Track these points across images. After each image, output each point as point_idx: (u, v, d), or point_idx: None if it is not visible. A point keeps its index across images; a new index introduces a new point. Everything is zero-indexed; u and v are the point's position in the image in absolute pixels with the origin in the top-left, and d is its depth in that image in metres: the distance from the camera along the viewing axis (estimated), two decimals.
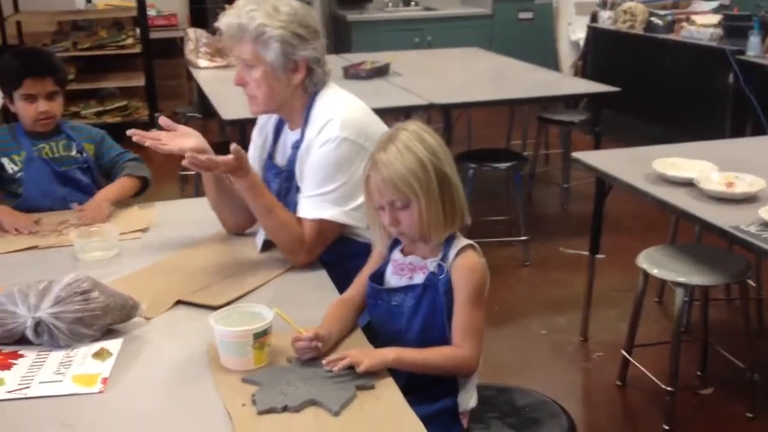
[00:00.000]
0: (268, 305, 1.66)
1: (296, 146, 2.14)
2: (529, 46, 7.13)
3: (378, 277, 1.77)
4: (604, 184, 3.16)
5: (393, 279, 1.75)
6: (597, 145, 4.39)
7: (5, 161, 2.53)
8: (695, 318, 3.28)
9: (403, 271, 1.74)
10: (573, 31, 7.14)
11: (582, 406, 3.04)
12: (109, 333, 1.73)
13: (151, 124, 6.38)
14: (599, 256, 3.39)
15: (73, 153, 2.60)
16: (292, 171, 2.14)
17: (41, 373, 1.58)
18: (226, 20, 2.05)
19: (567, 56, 7.18)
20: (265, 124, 2.27)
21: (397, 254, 1.77)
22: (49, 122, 2.57)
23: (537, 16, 7.87)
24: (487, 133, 6.02)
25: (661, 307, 3.61)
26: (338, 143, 2.03)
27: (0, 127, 2.70)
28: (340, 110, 2.08)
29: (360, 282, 1.80)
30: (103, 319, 1.70)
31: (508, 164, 4.21)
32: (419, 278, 1.70)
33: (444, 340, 1.66)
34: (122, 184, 2.55)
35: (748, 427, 2.82)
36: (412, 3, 8.06)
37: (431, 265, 1.69)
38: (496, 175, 4.59)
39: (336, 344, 1.67)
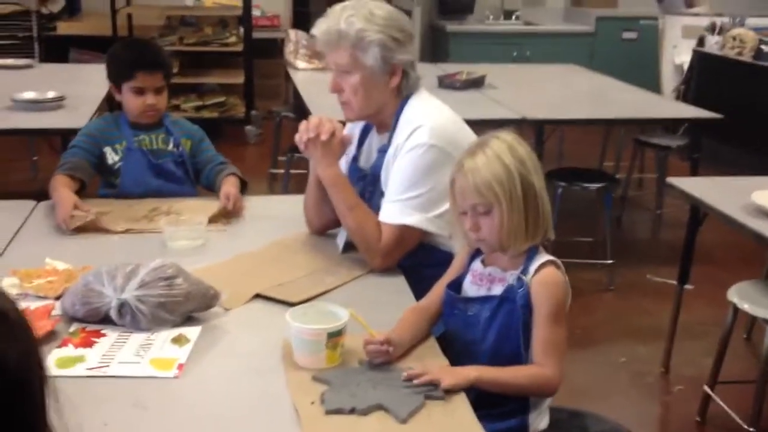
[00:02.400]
0: (344, 306, 1.67)
1: (383, 150, 2.14)
2: (631, 67, 6.97)
3: (456, 286, 1.76)
4: (698, 212, 3.06)
5: (471, 289, 1.73)
6: (694, 173, 4.26)
7: (107, 150, 2.58)
8: None
9: (482, 282, 1.72)
10: (678, 54, 6.95)
11: None
12: (189, 320, 1.77)
13: (246, 122, 6.53)
14: (688, 286, 3.29)
15: (170, 147, 2.64)
16: (376, 175, 2.15)
17: (121, 353, 1.63)
18: (323, 26, 2.06)
19: (669, 79, 7.00)
20: (353, 127, 2.28)
21: (477, 264, 1.75)
22: (154, 115, 2.61)
23: (641, 36, 7.70)
24: (580, 152, 5.92)
25: (749, 345, 3.48)
26: (426, 149, 2.03)
27: (104, 116, 2.77)
28: (430, 117, 2.08)
29: (437, 291, 1.79)
30: (185, 305, 1.74)
31: (599, 185, 4.12)
32: (497, 290, 1.68)
33: (518, 353, 1.64)
34: (236, 181, 2.57)
35: None
36: (513, 17, 8.00)
37: (510, 277, 1.67)
38: (585, 196, 4.51)
39: (408, 351, 1.67)
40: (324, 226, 2.27)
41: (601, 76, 5.55)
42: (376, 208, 2.10)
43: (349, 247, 2.15)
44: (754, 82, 5.87)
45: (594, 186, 4.13)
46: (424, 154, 2.03)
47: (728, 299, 2.75)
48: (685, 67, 6.69)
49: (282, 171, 5.07)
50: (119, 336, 1.69)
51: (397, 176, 2.06)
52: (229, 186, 2.51)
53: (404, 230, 2.04)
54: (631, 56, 7.54)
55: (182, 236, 2.20)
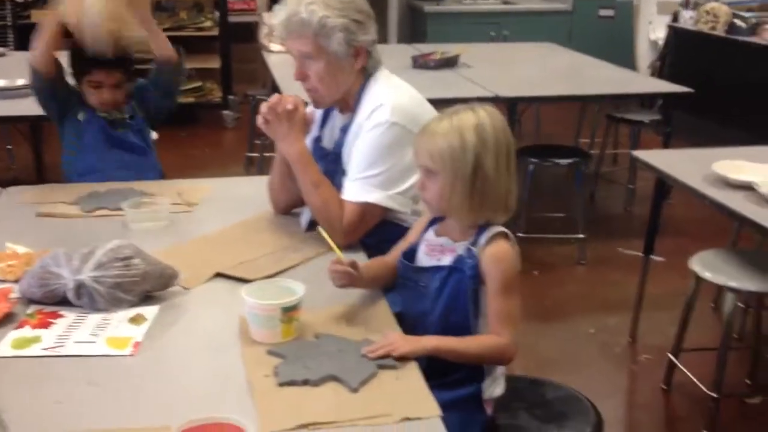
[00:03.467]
0: (303, 282, 1.69)
1: (345, 129, 2.16)
2: (608, 44, 7.00)
3: (410, 255, 1.78)
4: (663, 184, 3.10)
5: (424, 259, 1.76)
6: (666, 147, 4.29)
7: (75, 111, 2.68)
8: (751, 325, 3.19)
9: (434, 252, 1.75)
10: (653, 29, 6.98)
11: (624, 407, 3.01)
12: (147, 299, 1.79)
13: (223, 106, 6.52)
14: (659, 258, 3.34)
15: (126, 115, 2.72)
16: (338, 154, 2.17)
17: (77, 333, 1.65)
18: (282, 15, 2.06)
19: (645, 55, 7.02)
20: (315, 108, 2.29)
21: (430, 234, 1.78)
22: (111, 108, 2.69)
23: (618, 14, 7.72)
24: (557, 129, 5.95)
25: (717, 313, 3.52)
26: (387, 127, 2.04)
27: None
28: (392, 96, 2.10)
29: (401, 247, 1.84)
30: (142, 285, 1.76)
31: (570, 161, 4.15)
32: (447, 260, 1.70)
33: (466, 324, 1.67)
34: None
35: None
36: None
37: (460, 248, 1.70)
38: (559, 172, 4.54)
39: (365, 324, 1.70)
40: (288, 206, 2.30)
41: (577, 53, 5.57)
42: (339, 187, 2.12)
43: (312, 225, 2.17)
44: (728, 55, 5.90)
45: (564, 162, 4.16)
46: (385, 133, 2.05)
47: (690, 268, 2.79)
48: (661, 42, 6.72)
49: (257, 154, 5.08)
50: (77, 317, 1.71)
51: (359, 155, 2.08)
52: None
53: (366, 208, 2.06)
54: (608, 33, 7.57)
55: (145, 218, 2.22)
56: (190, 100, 6.40)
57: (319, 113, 2.27)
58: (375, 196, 2.05)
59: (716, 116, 5.95)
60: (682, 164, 2.94)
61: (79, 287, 1.72)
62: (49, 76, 2.58)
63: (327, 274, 1.83)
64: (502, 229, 1.70)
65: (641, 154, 3.11)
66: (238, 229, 2.22)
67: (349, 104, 2.17)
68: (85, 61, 2.62)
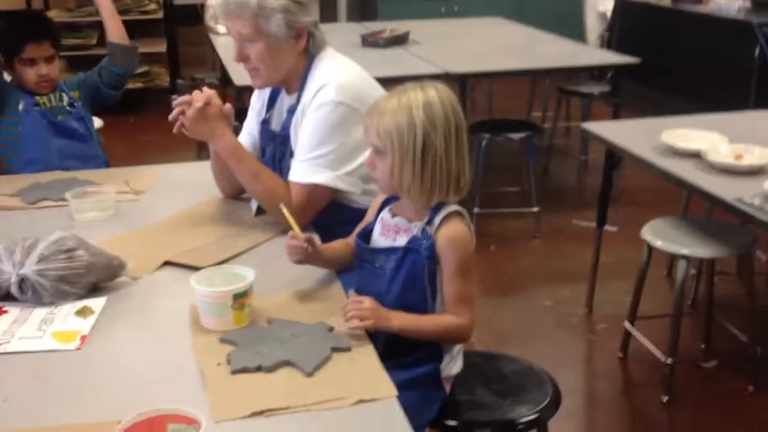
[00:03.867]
0: (254, 267, 1.66)
1: (291, 111, 2.13)
2: (559, 18, 7.01)
3: (366, 236, 1.77)
4: (612, 155, 3.13)
5: (379, 239, 1.74)
6: (616, 118, 4.33)
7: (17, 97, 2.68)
8: (704, 291, 3.24)
9: (389, 232, 1.73)
10: (601, 1, 7.01)
11: (582, 377, 3.04)
12: (94, 291, 1.75)
13: (171, 91, 6.41)
14: (612, 229, 3.37)
15: (65, 103, 2.73)
16: (286, 136, 2.14)
17: (23, 329, 1.60)
18: None
19: (594, 27, 7.04)
20: (263, 90, 2.26)
21: (385, 214, 1.76)
22: (49, 85, 2.71)
23: None
24: (509, 104, 5.97)
25: (670, 281, 3.57)
26: (333, 107, 2.02)
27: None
28: (337, 75, 2.07)
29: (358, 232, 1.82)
30: (87, 277, 1.72)
31: (522, 135, 4.16)
32: (402, 241, 1.69)
33: (423, 304, 1.66)
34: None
35: (748, 401, 2.80)
36: None
37: (415, 228, 1.68)
38: (512, 146, 4.55)
39: (324, 309, 1.68)
40: (235, 192, 2.27)
41: (526, 27, 5.58)
42: (288, 169, 2.10)
43: (262, 209, 2.15)
44: (675, 25, 5.96)
45: (516, 136, 4.17)
46: (332, 112, 2.02)
47: (642, 237, 2.82)
48: (609, 14, 6.75)
49: None
50: (21, 312, 1.67)
51: (305, 135, 2.05)
52: None
53: (314, 189, 2.03)
54: (558, 7, 7.58)
55: (90, 208, 2.17)
56: (137, 85, 6.28)
57: (266, 95, 2.24)
58: (323, 177, 2.03)
59: (664, 86, 6.02)
60: (631, 135, 2.97)
61: (22, 281, 1.67)
62: None
63: (277, 259, 1.82)
64: (457, 207, 1.69)
65: (591, 126, 3.13)
66: (186, 216, 2.18)
67: (293, 85, 2.14)
68: (13, 39, 2.65)
